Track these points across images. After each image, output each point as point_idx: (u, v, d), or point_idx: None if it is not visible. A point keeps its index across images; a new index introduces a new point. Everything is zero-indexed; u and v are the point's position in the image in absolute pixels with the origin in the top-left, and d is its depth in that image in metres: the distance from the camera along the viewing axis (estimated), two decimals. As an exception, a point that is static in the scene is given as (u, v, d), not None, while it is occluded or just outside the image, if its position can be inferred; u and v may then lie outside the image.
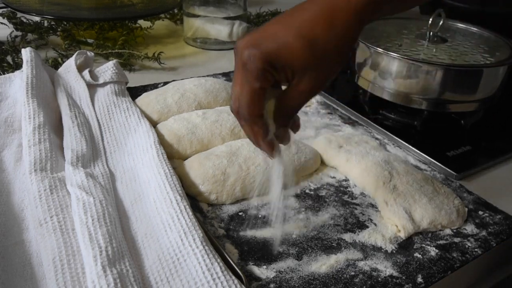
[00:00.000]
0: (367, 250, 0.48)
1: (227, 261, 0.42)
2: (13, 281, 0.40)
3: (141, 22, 1.04)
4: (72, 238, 0.42)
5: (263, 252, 0.47)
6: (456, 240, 0.51)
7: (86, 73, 0.67)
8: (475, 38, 0.80)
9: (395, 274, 0.45)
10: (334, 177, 0.60)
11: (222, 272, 0.39)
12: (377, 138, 0.69)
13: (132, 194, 0.50)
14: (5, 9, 0.98)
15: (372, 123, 0.72)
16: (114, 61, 0.70)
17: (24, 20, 0.95)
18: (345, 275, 0.45)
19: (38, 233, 0.42)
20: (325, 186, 0.58)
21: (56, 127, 0.58)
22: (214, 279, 0.39)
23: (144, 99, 0.69)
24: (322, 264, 0.46)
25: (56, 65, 0.79)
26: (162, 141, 0.58)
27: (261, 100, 0.39)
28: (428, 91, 0.69)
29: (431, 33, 0.76)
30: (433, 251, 0.49)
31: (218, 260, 0.40)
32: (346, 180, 0.59)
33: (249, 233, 0.49)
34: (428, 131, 0.72)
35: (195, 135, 0.60)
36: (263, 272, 0.44)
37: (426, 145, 0.65)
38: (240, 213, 0.52)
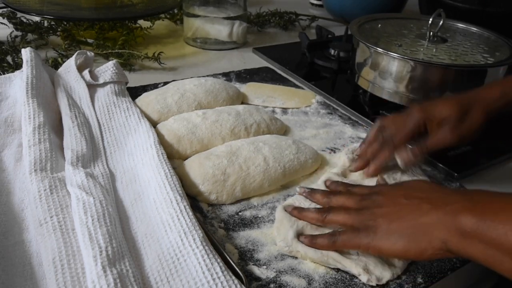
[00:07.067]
0: (367, 250, 0.48)
1: (227, 261, 0.42)
2: (13, 281, 0.40)
3: (141, 22, 1.04)
4: (72, 238, 0.42)
5: (263, 252, 0.47)
6: (456, 240, 0.50)
7: (86, 73, 0.67)
8: (475, 38, 0.80)
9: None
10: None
11: (222, 272, 0.39)
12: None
13: (132, 194, 0.50)
14: (5, 9, 0.98)
15: (372, 123, 0.72)
16: (114, 61, 0.70)
17: (24, 20, 0.95)
18: (345, 275, 0.45)
19: (38, 233, 0.42)
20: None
21: (56, 127, 0.58)
22: (214, 279, 0.39)
23: (144, 99, 0.69)
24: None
25: (56, 65, 0.79)
26: (162, 141, 0.58)
27: None
28: (428, 91, 0.69)
29: (431, 33, 0.76)
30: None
31: (218, 260, 0.40)
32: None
33: (249, 233, 0.49)
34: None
35: (195, 135, 0.60)
36: (263, 272, 0.44)
37: (426, 145, 0.65)
38: (240, 213, 0.52)
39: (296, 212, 0.49)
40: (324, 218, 0.47)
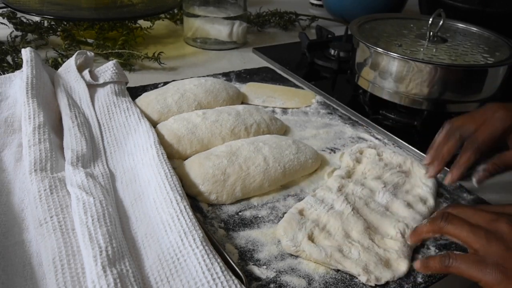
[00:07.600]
0: (367, 250, 0.48)
1: (227, 261, 0.42)
2: (13, 281, 0.40)
3: (141, 22, 1.04)
4: (72, 238, 0.42)
5: (263, 252, 0.47)
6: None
7: (86, 73, 0.67)
8: (475, 38, 0.80)
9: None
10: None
11: (222, 272, 0.39)
12: (377, 138, 0.69)
13: (132, 194, 0.50)
14: (5, 9, 0.98)
15: (372, 123, 0.72)
16: (114, 61, 0.70)
17: (24, 20, 0.95)
18: (345, 275, 0.45)
19: (38, 233, 0.42)
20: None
21: (56, 127, 0.58)
22: (214, 279, 0.39)
23: (144, 99, 0.69)
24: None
25: (56, 65, 0.79)
26: (162, 141, 0.58)
27: None
28: (428, 91, 0.69)
29: (431, 33, 0.76)
30: (433, 251, 0.49)
31: (218, 260, 0.40)
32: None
33: (249, 233, 0.49)
34: (428, 131, 0.71)
35: (195, 135, 0.60)
36: (263, 272, 0.44)
37: (426, 145, 0.65)
38: (240, 213, 0.52)
39: (413, 237, 0.45)
40: (440, 227, 0.41)
